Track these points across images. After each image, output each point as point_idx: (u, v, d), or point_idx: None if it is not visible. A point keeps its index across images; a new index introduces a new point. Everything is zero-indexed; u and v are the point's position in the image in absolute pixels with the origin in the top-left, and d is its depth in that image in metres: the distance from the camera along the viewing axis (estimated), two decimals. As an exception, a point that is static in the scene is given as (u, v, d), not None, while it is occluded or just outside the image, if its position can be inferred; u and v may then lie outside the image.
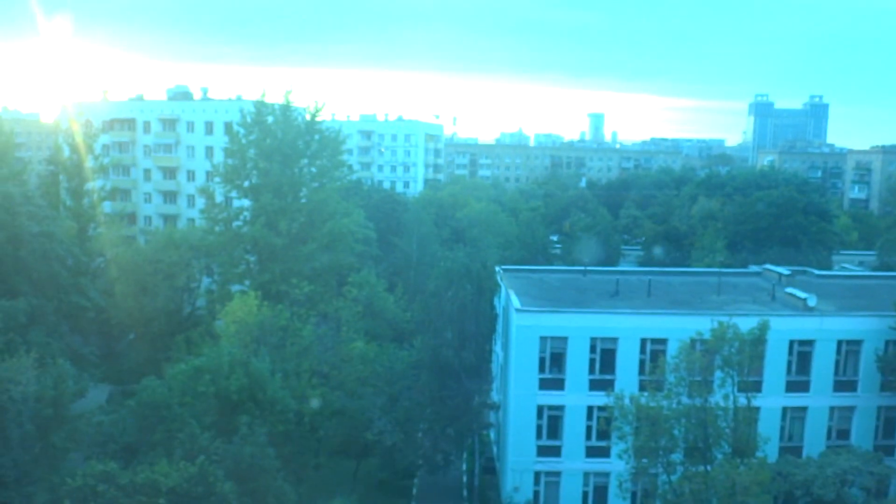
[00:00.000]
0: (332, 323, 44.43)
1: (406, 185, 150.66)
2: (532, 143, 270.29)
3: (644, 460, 33.26)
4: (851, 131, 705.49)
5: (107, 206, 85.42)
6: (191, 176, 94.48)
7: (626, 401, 33.80)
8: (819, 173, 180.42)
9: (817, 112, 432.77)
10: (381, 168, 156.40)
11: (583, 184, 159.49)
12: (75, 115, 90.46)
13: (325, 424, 36.31)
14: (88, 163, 77.26)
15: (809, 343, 42.79)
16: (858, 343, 43.14)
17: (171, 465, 28.74)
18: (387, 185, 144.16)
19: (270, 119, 62.18)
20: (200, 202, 68.55)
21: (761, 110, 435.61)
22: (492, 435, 51.74)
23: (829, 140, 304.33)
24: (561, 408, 42.59)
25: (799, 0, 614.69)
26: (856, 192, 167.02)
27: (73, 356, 49.03)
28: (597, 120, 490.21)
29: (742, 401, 33.71)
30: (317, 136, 62.67)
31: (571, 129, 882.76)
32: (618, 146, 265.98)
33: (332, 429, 36.38)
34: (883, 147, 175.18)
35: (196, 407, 33.51)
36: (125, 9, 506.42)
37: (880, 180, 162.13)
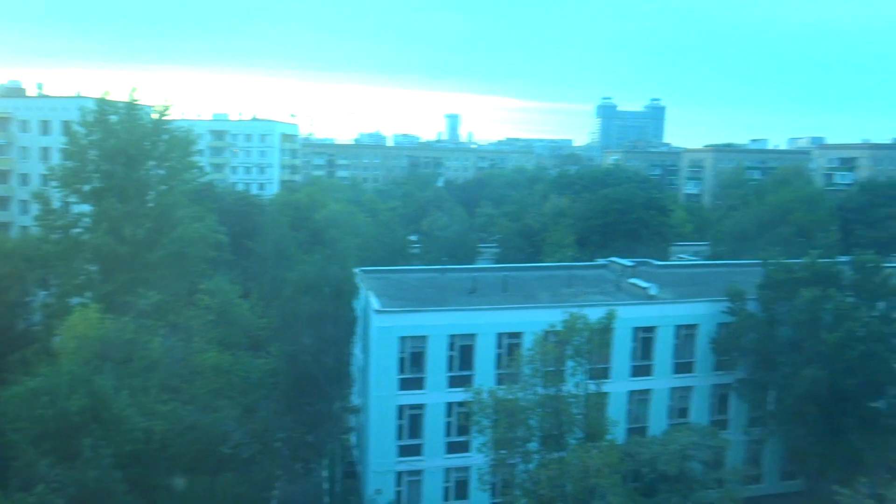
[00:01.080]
0: (182, 334, 42.26)
1: (261, 186, 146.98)
2: (390, 143, 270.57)
3: (502, 452, 34.07)
4: (686, 132, 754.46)
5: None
6: (24, 180, 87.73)
7: (485, 395, 34.48)
8: (658, 171, 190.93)
9: (656, 114, 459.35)
10: (234, 170, 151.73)
11: (440, 183, 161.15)
12: None
13: (177, 441, 34.36)
14: None
15: (651, 329, 45.37)
16: (694, 327, 46.19)
17: (6, 497, 26.35)
18: (241, 187, 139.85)
19: (114, 118, 58.37)
20: (35, 208, 63.39)
21: (606, 112, 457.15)
22: (353, 439, 51.17)
23: (667, 140, 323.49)
24: (421, 406, 42.83)
25: (641, 9, 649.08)
26: (690, 188, 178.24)
27: None
28: (453, 121, 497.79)
29: (592, 387, 35.08)
30: (165, 137, 59.34)
31: (429, 129, 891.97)
32: (474, 146, 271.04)
33: (185, 445, 34.44)
34: (714, 146, 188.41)
35: (32, 432, 30.86)
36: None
37: (711, 176, 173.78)
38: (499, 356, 42.79)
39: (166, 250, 54.61)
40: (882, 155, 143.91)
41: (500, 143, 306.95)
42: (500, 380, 39.90)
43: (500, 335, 43.13)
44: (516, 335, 42.79)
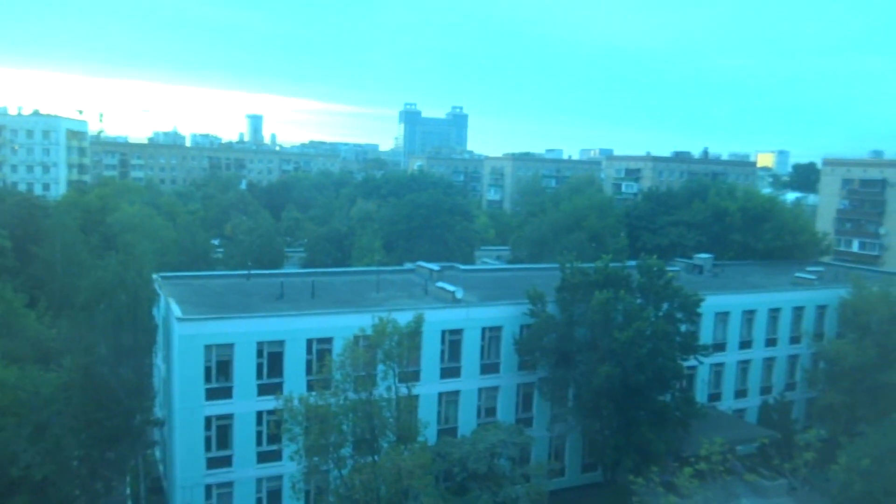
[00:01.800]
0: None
1: (46, 187, 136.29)
2: (188, 143, 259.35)
3: (315, 458, 33.86)
4: (487, 140, 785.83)
5: None
6: None
7: (296, 402, 34.14)
8: (462, 177, 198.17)
9: (458, 122, 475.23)
10: (14, 168, 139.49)
11: (243, 186, 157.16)
12: None
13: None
14: None
15: (459, 332, 47.05)
16: (499, 329, 48.44)
17: None
18: (23, 187, 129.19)
19: None
20: None
21: (410, 118, 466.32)
22: (157, 453, 49.01)
23: (469, 147, 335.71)
24: (230, 416, 41.82)
25: (444, 19, 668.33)
26: (492, 194, 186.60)
27: None
28: (256, 122, 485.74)
29: (403, 391, 35.90)
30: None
31: (230, 130, 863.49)
32: (278, 148, 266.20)
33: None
34: (513, 155, 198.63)
35: None
36: None
37: (511, 183, 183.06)
38: (309, 362, 42.46)
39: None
40: (662, 167, 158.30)
41: (304, 145, 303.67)
42: (310, 386, 39.60)
43: (309, 341, 42.82)
44: (326, 340, 42.69)
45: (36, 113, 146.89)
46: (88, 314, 43.89)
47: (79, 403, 39.62)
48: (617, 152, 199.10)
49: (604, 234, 79.77)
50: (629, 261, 56.29)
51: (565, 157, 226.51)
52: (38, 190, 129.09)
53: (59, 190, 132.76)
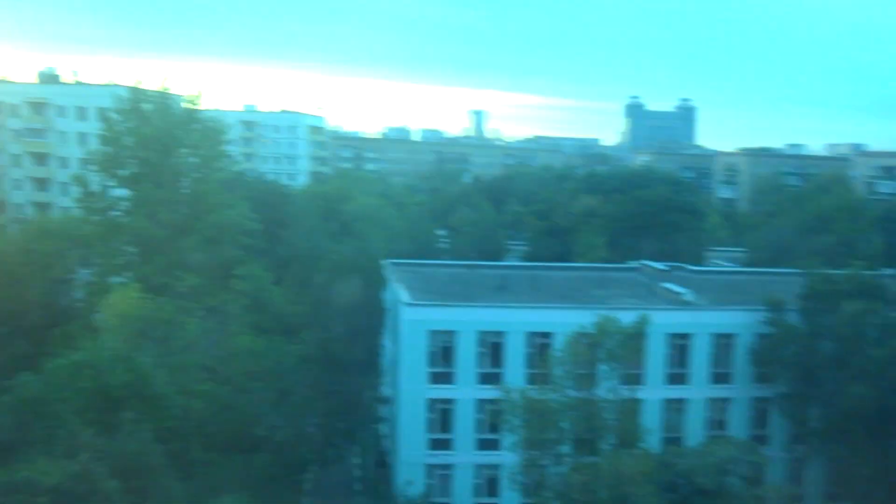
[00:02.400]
0: (218, 316, 43.51)
1: (290, 177, 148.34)
2: (416, 138, 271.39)
3: (533, 452, 33.96)
4: (718, 134, 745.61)
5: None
6: (63, 163, 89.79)
7: (515, 394, 34.46)
8: (690, 173, 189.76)
9: (686, 115, 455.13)
10: (264, 160, 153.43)
11: (467, 180, 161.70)
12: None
13: (214, 420, 35.56)
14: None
15: (686, 336, 44.71)
16: (732, 336, 45.19)
17: (52, 463, 27.53)
18: (271, 177, 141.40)
19: (148, 107, 60.04)
20: (75, 191, 65.12)
21: (635, 112, 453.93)
22: (384, 429, 52.07)
23: (699, 142, 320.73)
24: (451, 401, 43.22)
25: (670, 7, 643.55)
26: (725, 192, 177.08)
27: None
28: (479, 117, 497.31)
29: (625, 393, 35.11)
30: (197, 126, 60.90)
31: (454, 125, 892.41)
32: (500, 143, 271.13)
33: (221, 424, 35.64)
34: (748, 150, 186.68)
35: (76, 403, 32.12)
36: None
37: (746, 180, 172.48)
38: (529, 355, 42.72)
39: (201, 235, 55.98)
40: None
41: (527, 140, 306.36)
42: (530, 379, 39.75)
43: (529, 334, 43.03)
44: (546, 335, 42.57)
45: (283, 110, 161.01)
46: (326, 294, 47.66)
47: (316, 375, 43.10)
48: (871, 147, 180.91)
49: (855, 239, 72.99)
50: (885, 269, 51.15)
51: (808, 152, 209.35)
52: (283, 180, 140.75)
53: (301, 180, 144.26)
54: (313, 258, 64.76)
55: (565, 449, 34.11)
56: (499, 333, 43.37)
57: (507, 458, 38.02)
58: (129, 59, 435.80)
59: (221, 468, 34.74)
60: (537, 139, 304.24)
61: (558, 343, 39.31)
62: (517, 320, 43.46)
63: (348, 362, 44.57)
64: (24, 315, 50.94)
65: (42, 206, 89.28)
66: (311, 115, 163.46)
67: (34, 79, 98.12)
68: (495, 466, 43.01)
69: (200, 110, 62.73)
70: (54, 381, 32.94)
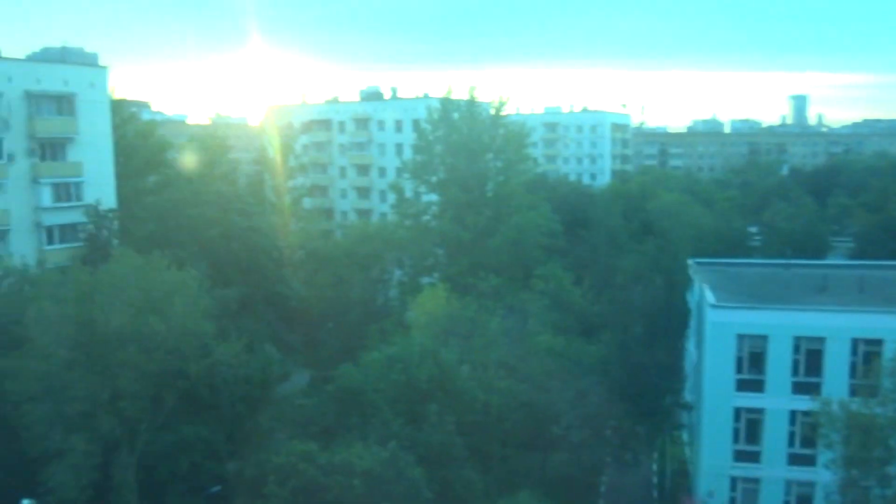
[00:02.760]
0: (518, 315, 44.86)
1: (592, 177, 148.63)
2: (727, 129, 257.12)
3: (854, 471, 30.83)
4: None
5: (306, 203, 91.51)
6: (382, 172, 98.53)
7: (835, 406, 31.54)
8: None
9: None
10: (566, 160, 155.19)
11: (784, 171, 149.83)
12: (277, 118, 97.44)
13: (512, 416, 36.65)
14: (289, 162, 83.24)
15: None
16: None
17: (366, 448, 30.21)
18: (572, 177, 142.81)
19: (456, 115, 63.68)
20: (391, 197, 71.36)
21: None
22: (684, 436, 50.06)
23: None
24: (760, 411, 40.49)
25: None
26: None
27: (278, 342, 52.87)
28: (799, 102, 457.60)
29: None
30: (501, 131, 63.47)
31: (770, 113, 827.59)
32: (824, 130, 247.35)
33: (519, 421, 36.66)
34: None
35: (388, 394, 34.98)
36: (317, 19, 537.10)
37: None
38: (853, 364, 38.81)
39: (504, 237, 58.19)
40: None
41: (855, 125, 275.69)
42: (853, 391, 36.20)
43: (854, 341, 39.14)
44: (875, 342, 38.44)
45: (584, 110, 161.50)
46: (626, 294, 46.93)
47: (615, 377, 42.60)
48: None
49: None
50: None
51: None
52: (585, 180, 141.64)
53: (604, 180, 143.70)
54: (614, 258, 64.26)
55: (893, 470, 30.18)
56: (818, 339, 39.87)
57: (823, 475, 34.88)
58: (441, 72, 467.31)
59: (518, 464, 35.72)
60: (868, 123, 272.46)
61: (889, 352, 35.38)
62: (840, 325, 39.64)
63: (649, 365, 43.36)
64: (347, 311, 56.95)
65: (363, 213, 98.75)
66: (615, 114, 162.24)
67: (357, 97, 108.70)
68: (808, 484, 39.59)
69: (504, 116, 65.29)
70: (370, 373, 36.15)
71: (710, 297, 42.18)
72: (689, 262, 51.22)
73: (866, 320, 39.56)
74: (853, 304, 42.24)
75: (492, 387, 37.25)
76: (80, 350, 32.17)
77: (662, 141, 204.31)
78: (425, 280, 57.58)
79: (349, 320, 57.26)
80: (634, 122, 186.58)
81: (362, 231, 67.74)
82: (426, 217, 63.08)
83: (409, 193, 65.86)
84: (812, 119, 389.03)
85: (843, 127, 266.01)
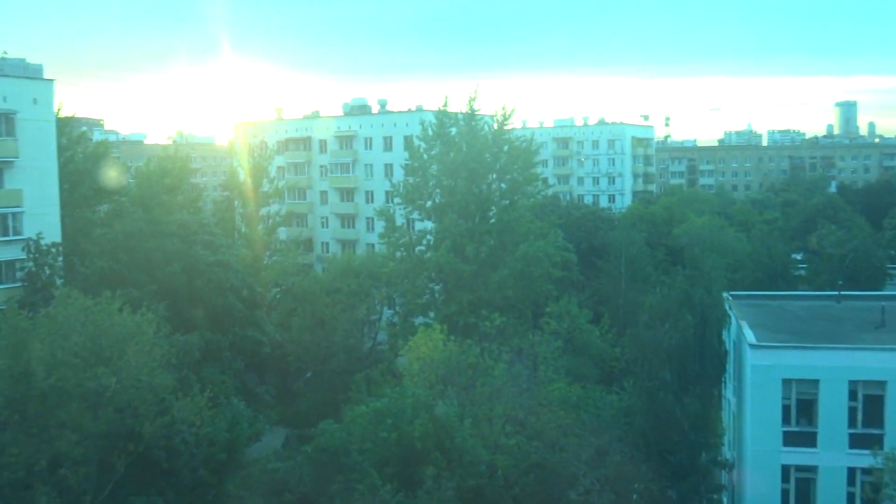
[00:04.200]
0: (527, 360, 44.43)
1: (611, 199, 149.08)
2: (765, 142, 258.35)
3: (927, 539, 30.32)
4: None
5: (282, 233, 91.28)
6: (369, 197, 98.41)
7: (901, 462, 31.20)
8: None
9: None
10: (580, 181, 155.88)
11: (833, 189, 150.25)
12: (249, 136, 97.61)
13: (522, 480, 36.05)
14: (263, 186, 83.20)
15: None
16: None
17: (350, 520, 29.63)
18: (588, 199, 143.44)
19: (454, 131, 63.61)
20: (379, 226, 71.14)
21: None
22: (724, 500, 49.33)
23: None
24: (813, 469, 39.92)
25: None
26: None
27: (247, 395, 52.30)
28: (848, 110, 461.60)
29: None
30: (506, 148, 63.38)
31: (815, 122, 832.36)
32: (877, 140, 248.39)
33: (529, 486, 36.03)
34: None
35: (376, 454, 34.42)
36: (296, 26, 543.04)
37: None
38: (921, 411, 38.60)
39: (510, 269, 57.83)
40: None
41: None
42: (923, 443, 35.78)
43: None
44: (945, 385, 38.36)
45: (601, 122, 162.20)
46: (652, 334, 46.35)
47: (640, 431, 41.93)
48: None
49: None
50: None
51: None
52: (602, 202, 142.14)
53: (624, 201, 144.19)
54: (638, 292, 63.96)
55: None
56: (878, 384, 39.45)
57: (891, 544, 33.98)
58: (436, 83, 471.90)
59: (531, 536, 34.98)
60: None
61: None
62: None
63: (680, 417, 42.69)
64: (329, 358, 56.60)
65: (347, 244, 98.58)
66: (635, 126, 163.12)
67: (340, 111, 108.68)
68: (874, 552, 38.73)
69: (509, 130, 65.30)
70: (355, 430, 35.64)
71: (749, 335, 41.87)
72: (725, 295, 50.97)
73: (932, 360, 39.25)
74: (916, 341, 41.94)
75: (498, 445, 36.67)
76: (14, 408, 31.64)
77: (691, 156, 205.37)
78: (419, 320, 57.17)
79: (331, 368, 56.79)
80: (658, 135, 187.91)
81: (346, 265, 67.48)
82: (420, 248, 62.69)
83: (400, 221, 65.52)
84: (863, 129, 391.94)
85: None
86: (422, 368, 41.98)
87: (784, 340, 42.36)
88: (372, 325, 64.87)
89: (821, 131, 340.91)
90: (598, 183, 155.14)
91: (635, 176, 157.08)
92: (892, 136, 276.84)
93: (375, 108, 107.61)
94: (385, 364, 52.21)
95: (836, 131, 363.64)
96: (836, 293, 54.46)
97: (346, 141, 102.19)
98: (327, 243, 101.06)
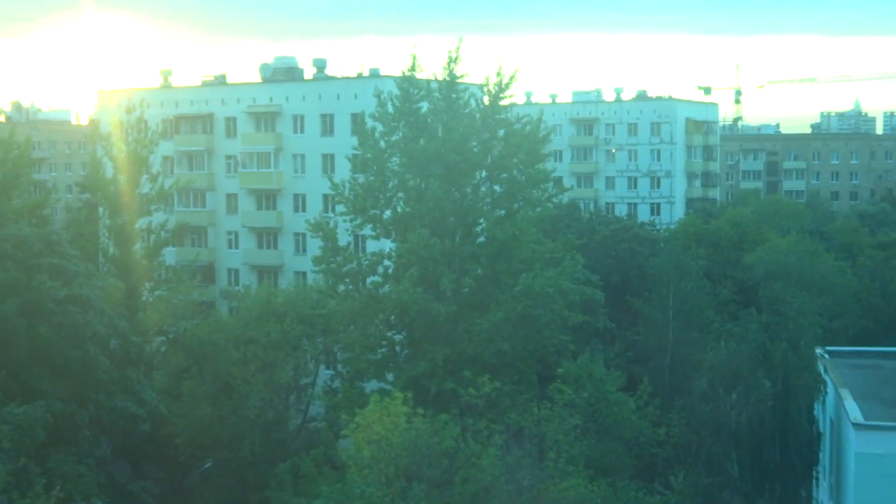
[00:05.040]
0: (530, 445, 44.65)
1: (655, 209, 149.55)
2: (879, 128, 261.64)
3: None
4: None
5: (170, 255, 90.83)
6: (299, 203, 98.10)
7: None
8: None
9: None
10: (610, 182, 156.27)
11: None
12: (122, 112, 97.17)
13: None
14: (142, 187, 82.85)
15: None
16: None
17: None
18: (621, 210, 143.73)
19: (425, 106, 63.54)
20: (314, 246, 71.03)
21: None
22: None
23: None
24: None
25: None
26: None
27: (117, 494, 52.00)
28: None
29: None
30: (501, 132, 63.45)
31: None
32: None
33: None
34: None
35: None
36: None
37: None
38: None
39: (505, 312, 57.87)
40: None
41: None
42: None
43: None
44: None
45: (641, 96, 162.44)
46: (713, 408, 46.97)
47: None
48: None
49: None
50: None
51: None
52: (643, 214, 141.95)
53: (676, 213, 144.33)
54: (692, 346, 64.30)
55: None
56: None
57: None
58: (399, 37, 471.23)
59: None
60: None
61: None
62: None
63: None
64: (238, 441, 56.11)
65: (266, 272, 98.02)
66: (691, 103, 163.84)
67: (258, 76, 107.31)
68: None
69: (507, 107, 65.29)
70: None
71: (854, 411, 42.42)
72: (819, 352, 51.61)
73: None
74: None
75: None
76: None
77: (772, 148, 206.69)
78: (372, 386, 57.05)
79: (241, 456, 56.39)
80: (725, 116, 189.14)
81: (265, 304, 67.44)
82: (374, 278, 62.69)
83: (344, 239, 65.56)
84: None
85: None
86: (375, 456, 42.06)
87: (904, 418, 43.10)
88: (302, 393, 64.52)
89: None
90: (635, 186, 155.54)
91: (690, 176, 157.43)
92: None
93: (310, 73, 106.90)
94: (321, 449, 52.11)
95: None
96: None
97: (265, 120, 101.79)
98: (236, 271, 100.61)
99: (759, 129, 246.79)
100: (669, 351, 67.02)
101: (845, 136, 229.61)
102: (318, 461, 48.77)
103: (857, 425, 41.37)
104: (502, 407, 50.06)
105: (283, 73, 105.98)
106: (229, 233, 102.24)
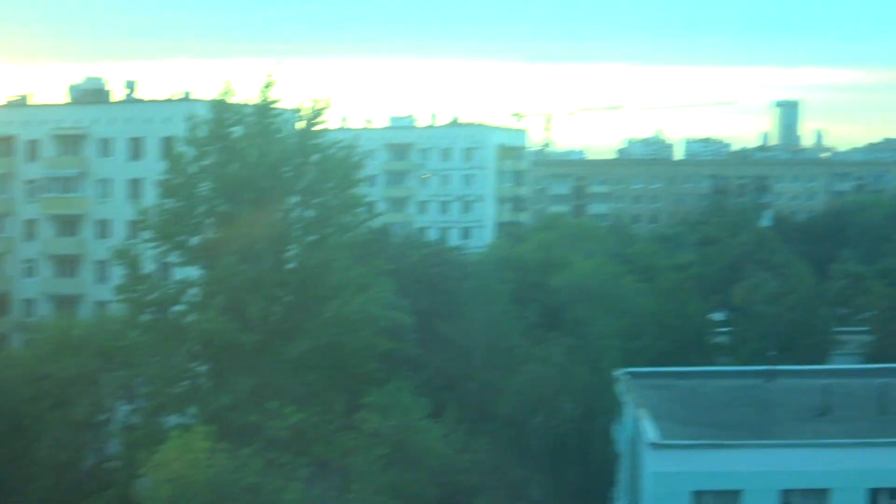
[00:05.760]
0: (336, 477, 44.20)
1: (466, 233, 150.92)
2: (678, 154, 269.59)
3: None
4: None
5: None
6: (103, 230, 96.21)
7: None
8: None
9: None
10: (423, 207, 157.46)
11: (767, 222, 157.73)
12: None
13: None
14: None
15: None
16: None
17: None
18: (433, 234, 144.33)
19: (238, 131, 62.79)
20: (117, 274, 69.19)
21: None
22: None
23: None
24: None
25: None
26: None
27: None
28: (789, 113, 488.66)
29: None
30: (316, 157, 63.09)
31: (745, 128, 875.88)
32: (825, 155, 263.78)
33: None
34: None
35: None
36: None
37: None
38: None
39: (313, 340, 57.31)
40: None
41: (872, 147, 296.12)
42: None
43: (873, 493, 42.18)
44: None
45: (454, 123, 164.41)
46: (519, 432, 47.15)
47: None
48: None
49: None
50: None
51: None
52: (454, 238, 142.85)
53: (485, 237, 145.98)
54: (499, 371, 64.57)
55: None
56: (818, 493, 42.44)
57: None
58: (213, 60, 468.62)
59: None
60: (891, 144, 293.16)
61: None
62: (850, 469, 42.30)
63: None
64: (28, 483, 54.03)
65: (65, 302, 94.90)
66: (503, 129, 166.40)
67: (65, 97, 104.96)
68: None
69: (321, 132, 64.90)
70: None
71: (650, 431, 43.16)
72: (618, 373, 52.31)
73: (891, 460, 41.96)
74: (870, 433, 44.48)
75: None
76: None
77: (579, 173, 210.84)
78: (172, 421, 55.61)
79: (31, 500, 54.26)
80: (535, 142, 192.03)
81: (62, 336, 64.79)
82: (179, 307, 61.38)
83: (149, 266, 64.03)
84: (807, 138, 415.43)
85: (854, 150, 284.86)
86: (174, 496, 41.00)
87: (696, 437, 44.04)
88: (98, 431, 62.54)
89: (753, 141, 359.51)
90: (447, 210, 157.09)
91: (501, 200, 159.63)
92: (847, 149, 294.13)
93: (120, 95, 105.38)
94: (117, 490, 50.70)
95: (772, 141, 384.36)
96: (767, 368, 56.82)
97: (70, 143, 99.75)
98: (33, 301, 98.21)
99: (567, 154, 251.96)
100: (477, 377, 67.10)
101: (647, 161, 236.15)
102: (114, 501, 47.24)
103: (652, 444, 42.22)
104: (308, 439, 49.22)
105: (92, 95, 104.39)
106: (27, 261, 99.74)
